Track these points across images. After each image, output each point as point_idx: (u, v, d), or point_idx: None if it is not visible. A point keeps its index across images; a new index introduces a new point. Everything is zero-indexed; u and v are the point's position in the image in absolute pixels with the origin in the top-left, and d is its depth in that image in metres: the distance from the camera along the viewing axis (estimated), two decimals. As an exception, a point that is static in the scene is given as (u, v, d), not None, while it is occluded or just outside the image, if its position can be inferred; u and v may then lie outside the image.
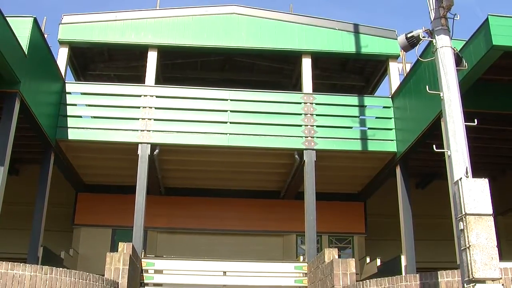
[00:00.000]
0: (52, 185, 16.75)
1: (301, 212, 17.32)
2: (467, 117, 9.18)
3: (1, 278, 10.19)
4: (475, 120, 9.12)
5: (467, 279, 8.03)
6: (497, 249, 8.05)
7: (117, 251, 13.50)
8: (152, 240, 20.76)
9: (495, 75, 13.65)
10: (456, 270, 10.64)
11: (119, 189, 20.07)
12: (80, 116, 17.83)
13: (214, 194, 21.16)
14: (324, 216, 18.49)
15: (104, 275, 12.62)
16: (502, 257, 8.99)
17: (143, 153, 16.96)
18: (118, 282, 12.71)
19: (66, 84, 17.67)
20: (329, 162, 18.20)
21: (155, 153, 17.12)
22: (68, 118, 17.23)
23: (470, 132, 9.38)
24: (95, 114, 17.78)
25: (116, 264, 12.98)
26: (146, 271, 15.82)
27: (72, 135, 17.07)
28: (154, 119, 17.41)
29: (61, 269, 11.16)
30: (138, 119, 17.39)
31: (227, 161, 18.74)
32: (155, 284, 15.86)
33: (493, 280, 7.97)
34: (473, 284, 7.92)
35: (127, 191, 18.19)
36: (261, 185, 21.00)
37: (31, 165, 19.71)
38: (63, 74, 17.65)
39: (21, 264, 10.64)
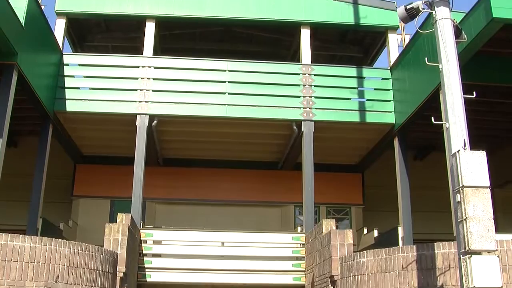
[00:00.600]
0: (51, 157, 16.78)
1: (299, 183, 17.39)
2: (466, 89, 9.16)
3: (1, 249, 10.27)
4: (474, 93, 9.10)
5: (463, 250, 8.09)
6: (493, 221, 8.11)
7: (116, 222, 13.58)
8: (150, 211, 20.84)
9: (494, 48, 13.58)
10: (452, 242, 10.73)
11: (117, 160, 20.10)
12: (78, 88, 17.75)
13: (213, 165, 21.19)
14: (322, 187, 18.59)
15: (103, 246, 12.70)
16: (499, 229, 9.03)
17: (142, 124, 16.95)
18: (117, 253, 12.81)
19: (63, 55, 17.57)
20: (327, 133, 18.20)
21: (153, 124, 17.11)
22: (66, 89, 17.18)
23: (469, 105, 9.38)
24: (93, 85, 17.74)
25: (115, 235, 13.06)
26: (145, 241, 15.94)
27: (70, 106, 17.04)
28: (153, 90, 17.36)
29: (60, 240, 11.25)
30: (136, 90, 17.33)
31: (226, 132, 18.74)
32: (154, 255, 15.99)
33: (489, 251, 8.04)
34: (469, 255, 7.99)
35: (125, 162, 18.21)
36: (259, 156, 21.02)
37: (29, 137, 19.66)
38: (60, 45, 17.52)
39: (21, 235, 10.72)
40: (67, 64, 17.57)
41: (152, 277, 15.66)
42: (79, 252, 11.35)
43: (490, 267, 7.92)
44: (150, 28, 18.09)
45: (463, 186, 8.21)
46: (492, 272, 7.90)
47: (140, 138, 16.79)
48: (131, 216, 14.19)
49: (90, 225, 19.91)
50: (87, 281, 11.40)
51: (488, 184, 8.25)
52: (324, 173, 19.67)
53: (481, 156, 8.38)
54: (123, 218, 13.67)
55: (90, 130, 18.80)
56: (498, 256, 8.11)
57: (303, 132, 17.38)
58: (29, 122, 17.97)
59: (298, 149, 18.31)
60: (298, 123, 17.51)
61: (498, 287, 8.00)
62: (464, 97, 9.04)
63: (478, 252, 8.00)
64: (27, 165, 17.70)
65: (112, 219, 18.92)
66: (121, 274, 12.77)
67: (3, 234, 10.46)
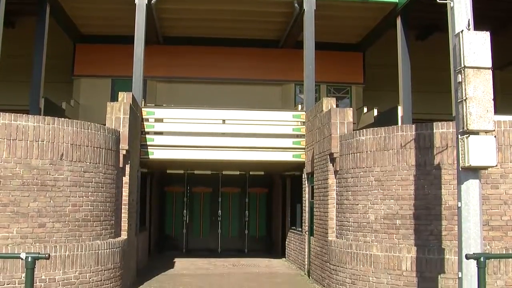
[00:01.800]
0: (50, 38, 16.62)
1: (300, 61, 17.34)
2: (472, -34, 8.92)
3: (5, 129, 10.40)
4: (480, -29, 8.89)
5: (461, 130, 8.20)
6: (493, 102, 8.16)
7: (117, 101, 13.65)
8: (151, 89, 20.92)
9: None
10: (451, 122, 10.83)
11: (117, 40, 19.88)
12: (74, -36, 17.31)
13: (213, 43, 21.04)
14: (323, 66, 18.59)
15: (105, 124, 12.84)
16: (497, 110, 9.11)
17: (140, 1, 16.64)
18: (119, 131, 12.97)
19: None
20: (329, 11, 17.91)
21: (152, 1, 16.81)
22: (61, -34, 16.77)
23: (473, -17, 9.16)
24: (89, -39, 17.26)
25: (117, 113, 13.17)
26: (147, 119, 16.08)
27: (67, -17, 16.69)
28: (151, -34, 16.95)
29: (63, 119, 11.38)
30: (133, -34, 16.91)
31: (226, 10, 18.44)
32: (155, 132, 16.20)
33: (486, 132, 8.16)
34: (467, 135, 8.11)
35: (125, 41, 18.00)
36: (260, 34, 20.80)
37: (27, 17, 19.25)
38: None
39: (24, 115, 10.82)
40: None
41: (155, 154, 15.94)
42: (82, 131, 11.50)
43: (487, 147, 8.06)
44: None
45: (464, 67, 8.19)
46: (488, 151, 8.05)
47: (139, 16, 16.54)
48: (132, 94, 14.24)
49: (92, 104, 20.04)
50: (91, 159, 11.63)
51: (490, 65, 8.22)
52: (325, 52, 19.61)
53: (484, 37, 8.29)
54: (124, 97, 13.72)
55: (89, 9, 18.47)
56: (495, 137, 8.24)
57: (304, 9, 17.12)
58: (26, 1, 17.58)
59: (299, 28, 18.11)
60: (300, 0, 17.20)
61: (492, 165, 8.20)
62: (470, -26, 8.83)
63: (476, 132, 8.12)
64: (27, 46, 17.55)
65: (114, 98, 18.96)
66: (124, 152, 13.01)
67: (6, 113, 10.55)
